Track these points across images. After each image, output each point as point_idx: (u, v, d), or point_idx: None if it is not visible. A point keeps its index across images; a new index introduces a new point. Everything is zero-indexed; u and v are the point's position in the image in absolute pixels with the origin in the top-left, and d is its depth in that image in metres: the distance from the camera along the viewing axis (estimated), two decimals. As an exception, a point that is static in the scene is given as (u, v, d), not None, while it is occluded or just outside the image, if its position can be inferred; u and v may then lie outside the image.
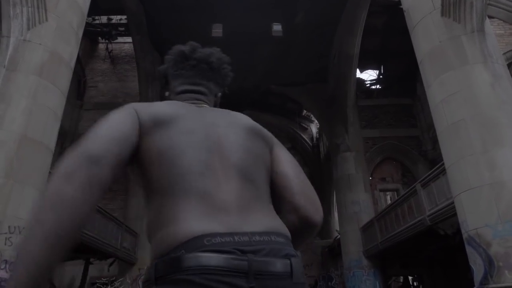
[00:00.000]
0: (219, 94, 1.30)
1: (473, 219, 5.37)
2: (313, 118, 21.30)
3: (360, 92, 16.14)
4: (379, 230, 11.34)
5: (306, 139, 21.25)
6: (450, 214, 7.32)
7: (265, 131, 1.15)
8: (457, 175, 5.83)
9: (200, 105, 1.17)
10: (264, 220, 0.92)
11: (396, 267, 13.36)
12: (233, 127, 1.07)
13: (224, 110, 1.18)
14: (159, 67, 1.31)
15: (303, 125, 21.40)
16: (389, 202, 16.69)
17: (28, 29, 6.19)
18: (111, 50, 16.46)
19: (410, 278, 14.23)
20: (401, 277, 14.48)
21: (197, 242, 0.81)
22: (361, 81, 16.63)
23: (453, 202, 7.01)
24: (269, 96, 21.03)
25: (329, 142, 15.67)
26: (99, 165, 0.85)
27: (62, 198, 0.80)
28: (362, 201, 13.63)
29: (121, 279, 12.28)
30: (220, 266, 0.79)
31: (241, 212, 0.90)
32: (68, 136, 14.81)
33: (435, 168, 7.81)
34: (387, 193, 16.30)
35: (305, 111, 21.05)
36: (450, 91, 6.17)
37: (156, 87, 14.94)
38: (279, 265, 0.85)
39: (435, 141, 15.13)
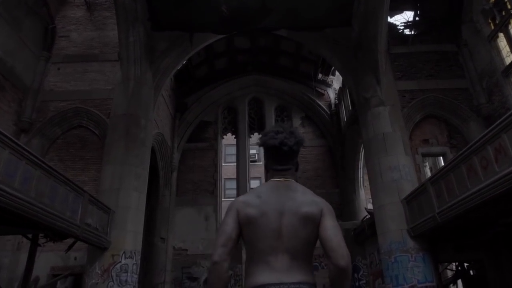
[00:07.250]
0: (296, 160, 2.13)
1: None
2: (331, 82, 18.17)
3: (391, 39, 13.01)
4: (435, 196, 8.21)
5: (323, 106, 18.06)
6: None
7: (316, 209, 1.90)
8: None
9: (286, 178, 2.03)
10: (297, 276, 1.79)
11: (448, 250, 10.24)
12: (292, 217, 1.86)
13: (295, 191, 1.98)
14: (261, 142, 2.10)
15: (319, 90, 18.23)
16: (428, 173, 13.53)
17: None
18: (87, -7, 13.53)
19: (465, 265, 11.05)
20: (454, 264, 11.31)
21: (262, 287, 1.77)
22: (392, 26, 13.48)
23: None
24: (279, 57, 18.00)
25: (356, 97, 12.53)
26: (220, 264, 1.78)
27: (212, 281, 1.79)
28: (402, 166, 10.50)
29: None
30: None
31: (285, 272, 1.79)
32: (30, 92, 11.86)
33: None
34: (425, 160, 13.14)
35: (321, 75, 17.93)
36: None
37: (138, 31, 11.95)
38: None
39: (490, 92, 12.00)
